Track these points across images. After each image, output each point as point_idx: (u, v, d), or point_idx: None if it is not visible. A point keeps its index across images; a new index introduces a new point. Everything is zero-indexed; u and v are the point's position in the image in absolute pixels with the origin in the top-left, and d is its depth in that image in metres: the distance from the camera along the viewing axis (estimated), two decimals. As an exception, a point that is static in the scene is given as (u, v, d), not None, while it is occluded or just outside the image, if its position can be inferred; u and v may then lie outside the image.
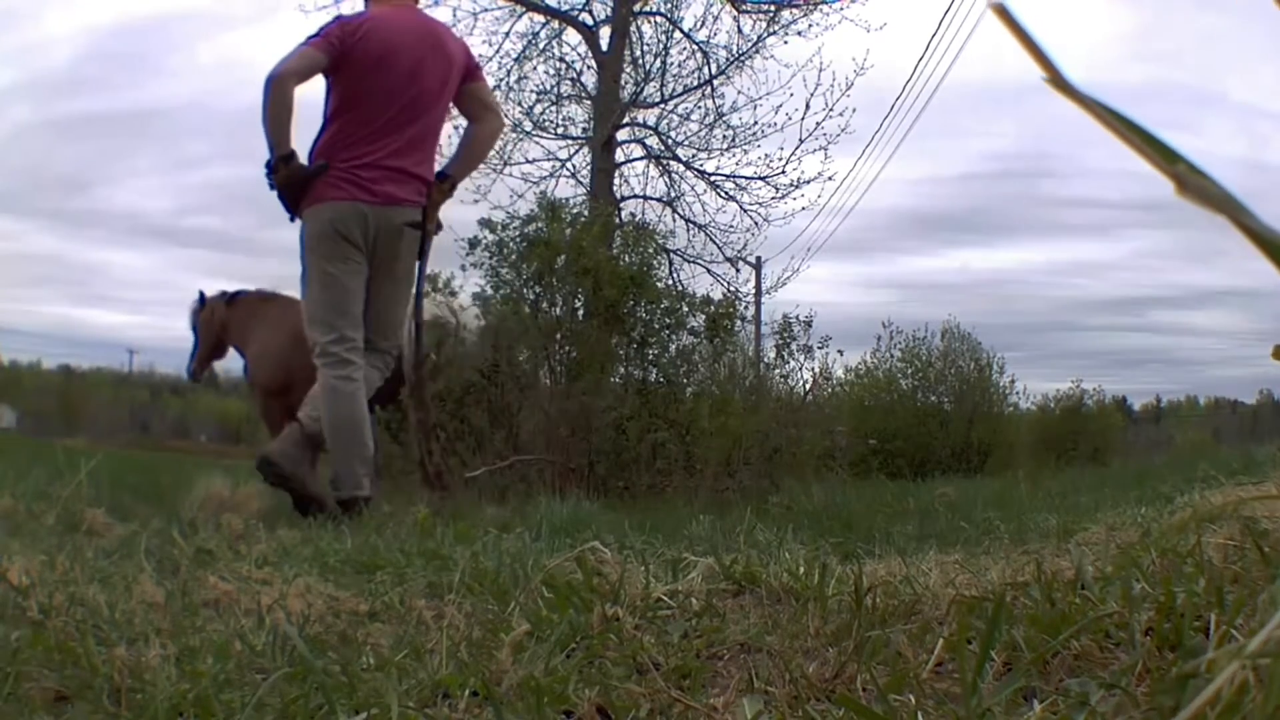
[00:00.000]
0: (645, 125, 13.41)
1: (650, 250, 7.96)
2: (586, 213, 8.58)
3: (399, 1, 3.65)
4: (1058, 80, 0.39)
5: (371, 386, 3.60)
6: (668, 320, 7.38)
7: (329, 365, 3.45)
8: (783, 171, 12.69)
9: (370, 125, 3.48)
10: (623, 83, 12.91)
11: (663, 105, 13.17)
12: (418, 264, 3.69)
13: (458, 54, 3.65)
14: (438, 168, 3.71)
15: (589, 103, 13.21)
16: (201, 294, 5.68)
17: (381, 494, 4.11)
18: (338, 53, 3.40)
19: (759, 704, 0.86)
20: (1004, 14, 0.38)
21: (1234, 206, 0.38)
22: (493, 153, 13.50)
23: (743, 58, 12.75)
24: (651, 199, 13.39)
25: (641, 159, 13.51)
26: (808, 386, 8.30)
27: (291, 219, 3.54)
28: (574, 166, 13.18)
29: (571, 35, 13.14)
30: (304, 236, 3.51)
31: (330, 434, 3.41)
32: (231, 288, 5.60)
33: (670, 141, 13.22)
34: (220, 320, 5.52)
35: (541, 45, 12.85)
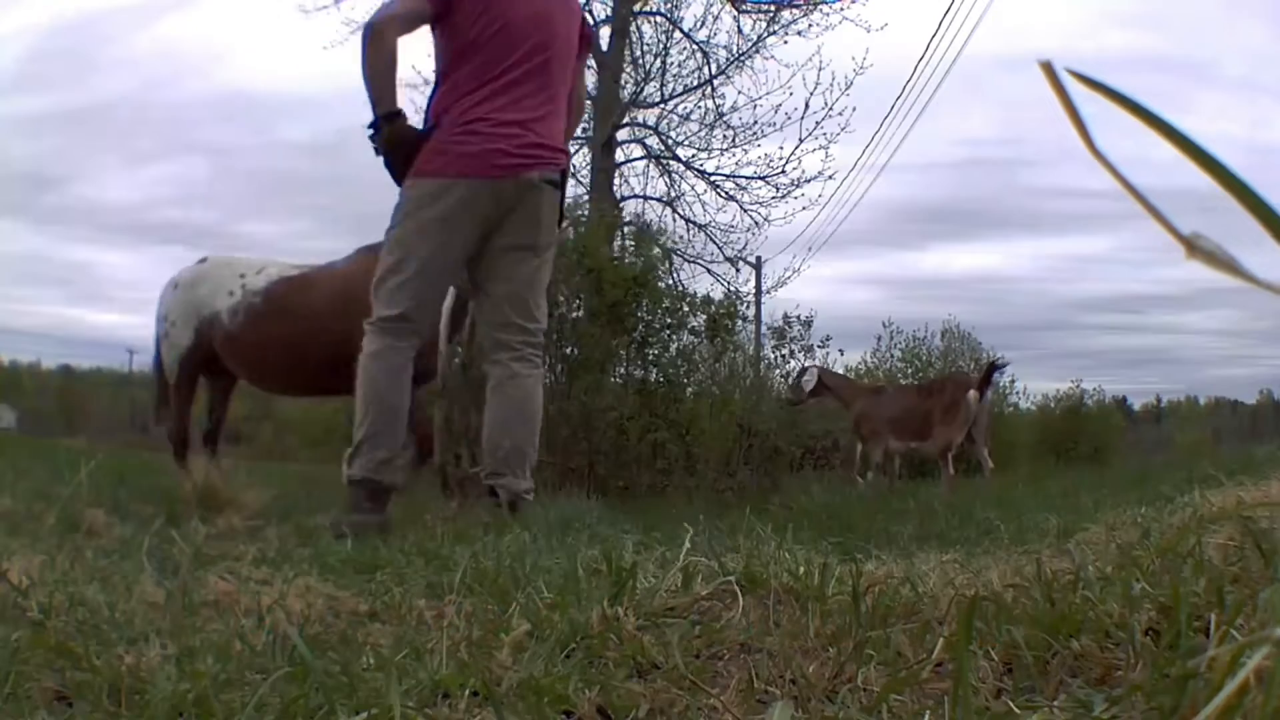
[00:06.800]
0: (645, 125, 13.43)
1: (656, 253, 7.96)
2: (589, 213, 8.58)
3: None
4: (1096, 153, 0.39)
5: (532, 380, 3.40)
6: (668, 320, 7.38)
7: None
8: (783, 171, 12.73)
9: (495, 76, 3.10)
10: (623, 83, 12.92)
11: (663, 105, 13.19)
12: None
13: (578, 13, 3.33)
14: None
15: (589, 103, 13.20)
16: None
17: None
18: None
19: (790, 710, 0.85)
20: (1050, 71, 0.38)
21: (1243, 272, 0.39)
22: None
23: (743, 58, 12.77)
24: (651, 199, 13.42)
25: (641, 159, 13.53)
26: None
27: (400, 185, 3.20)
28: (574, 166, 13.18)
29: (572, 35, 13.12)
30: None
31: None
32: None
33: (670, 141, 13.24)
34: None
35: (542, 45, 12.83)
